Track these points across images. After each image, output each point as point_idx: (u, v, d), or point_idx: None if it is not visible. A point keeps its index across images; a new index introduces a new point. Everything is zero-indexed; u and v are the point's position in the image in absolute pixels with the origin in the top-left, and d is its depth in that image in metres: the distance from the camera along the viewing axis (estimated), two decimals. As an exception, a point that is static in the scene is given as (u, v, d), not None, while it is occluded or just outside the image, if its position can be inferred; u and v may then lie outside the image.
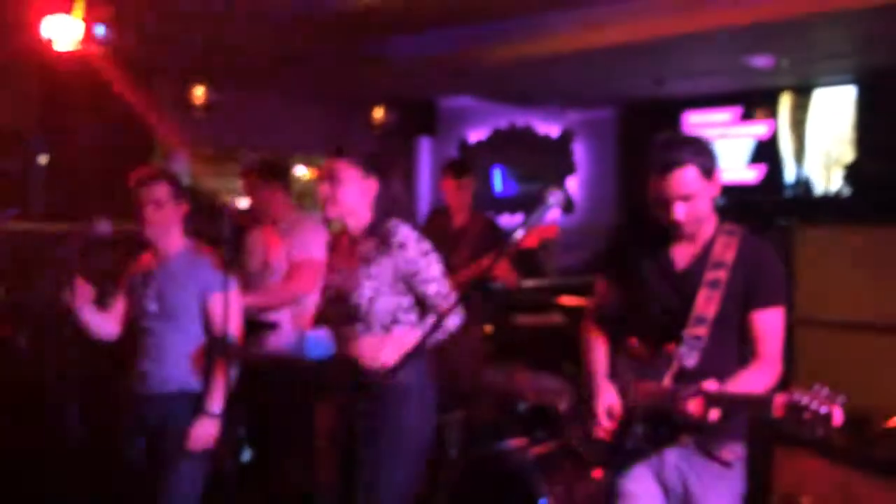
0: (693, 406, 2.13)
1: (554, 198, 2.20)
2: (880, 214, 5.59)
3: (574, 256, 7.34)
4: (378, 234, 2.75)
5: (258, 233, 3.94)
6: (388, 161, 2.84)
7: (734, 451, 2.35)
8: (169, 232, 3.04)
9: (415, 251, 2.70)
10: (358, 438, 2.66)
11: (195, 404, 2.94)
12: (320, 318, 3.03)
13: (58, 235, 3.96)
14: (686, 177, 2.27)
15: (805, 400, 1.92)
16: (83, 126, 6.73)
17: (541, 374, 4.08)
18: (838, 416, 1.89)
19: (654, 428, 2.35)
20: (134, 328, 3.11)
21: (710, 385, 2.14)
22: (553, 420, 3.71)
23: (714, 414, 2.12)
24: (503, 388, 4.04)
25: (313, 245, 3.64)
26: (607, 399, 2.43)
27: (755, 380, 2.23)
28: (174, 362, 3.00)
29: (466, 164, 5.01)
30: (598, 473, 3.26)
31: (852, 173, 6.97)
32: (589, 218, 8.55)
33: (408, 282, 2.71)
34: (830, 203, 7.08)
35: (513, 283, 4.50)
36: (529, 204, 2.19)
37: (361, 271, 2.73)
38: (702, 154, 2.31)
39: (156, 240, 3.05)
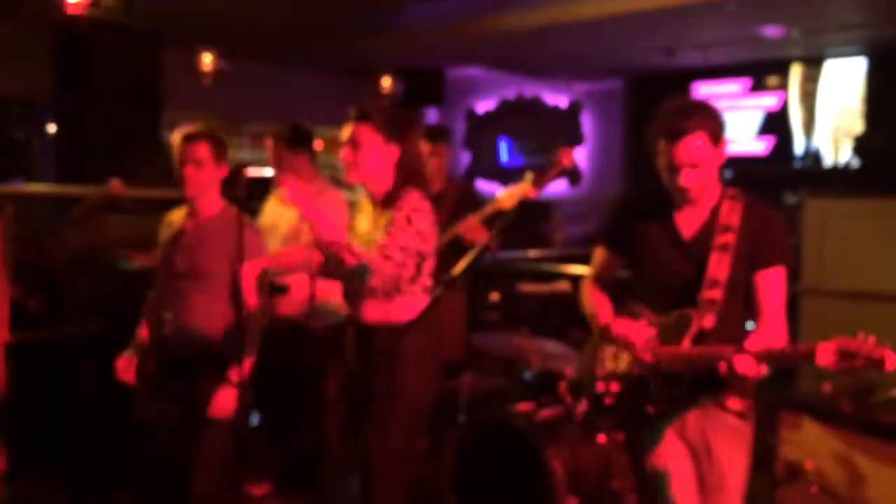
0: (741, 365, 2.13)
1: (565, 156, 2.20)
2: (889, 186, 5.59)
3: (581, 227, 7.36)
4: (394, 204, 2.72)
5: (275, 198, 3.95)
6: (408, 126, 2.81)
7: (746, 404, 2.39)
8: (207, 192, 3.00)
9: (402, 214, 2.65)
10: (363, 399, 2.70)
11: (219, 366, 2.92)
12: (322, 272, 3.02)
13: (72, 197, 3.97)
14: (695, 144, 2.28)
15: (855, 346, 1.92)
16: (92, 94, 6.72)
17: (547, 340, 4.11)
18: (892, 360, 1.88)
19: (670, 389, 2.37)
20: (159, 286, 3.11)
21: (753, 345, 2.15)
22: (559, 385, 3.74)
23: (763, 370, 2.12)
24: (509, 355, 4.07)
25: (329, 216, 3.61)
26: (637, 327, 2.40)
27: (772, 337, 2.25)
28: (201, 323, 2.98)
29: (443, 129, 4.90)
30: (602, 438, 3.33)
31: (861, 145, 6.94)
32: (596, 189, 8.55)
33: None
34: (839, 175, 7.07)
35: (484, 243, 4.43)
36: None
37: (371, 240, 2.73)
38: (711, 121, 2.31)
39: (193, 199, 3.02)
